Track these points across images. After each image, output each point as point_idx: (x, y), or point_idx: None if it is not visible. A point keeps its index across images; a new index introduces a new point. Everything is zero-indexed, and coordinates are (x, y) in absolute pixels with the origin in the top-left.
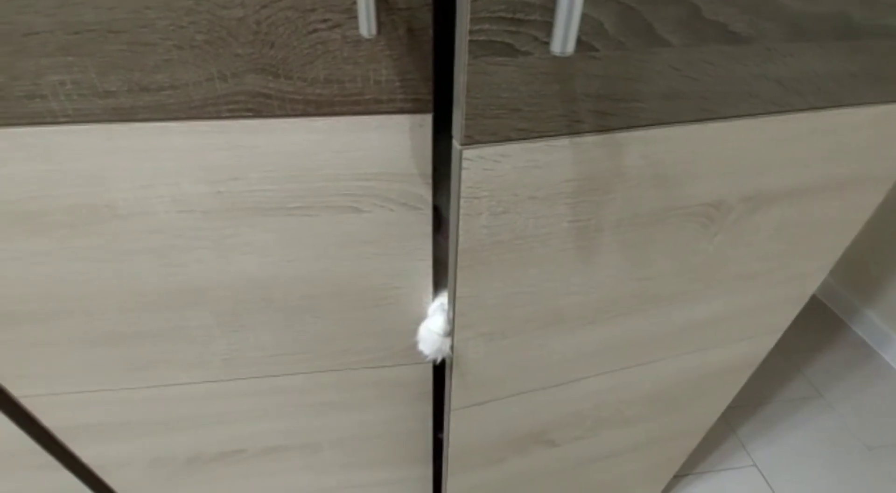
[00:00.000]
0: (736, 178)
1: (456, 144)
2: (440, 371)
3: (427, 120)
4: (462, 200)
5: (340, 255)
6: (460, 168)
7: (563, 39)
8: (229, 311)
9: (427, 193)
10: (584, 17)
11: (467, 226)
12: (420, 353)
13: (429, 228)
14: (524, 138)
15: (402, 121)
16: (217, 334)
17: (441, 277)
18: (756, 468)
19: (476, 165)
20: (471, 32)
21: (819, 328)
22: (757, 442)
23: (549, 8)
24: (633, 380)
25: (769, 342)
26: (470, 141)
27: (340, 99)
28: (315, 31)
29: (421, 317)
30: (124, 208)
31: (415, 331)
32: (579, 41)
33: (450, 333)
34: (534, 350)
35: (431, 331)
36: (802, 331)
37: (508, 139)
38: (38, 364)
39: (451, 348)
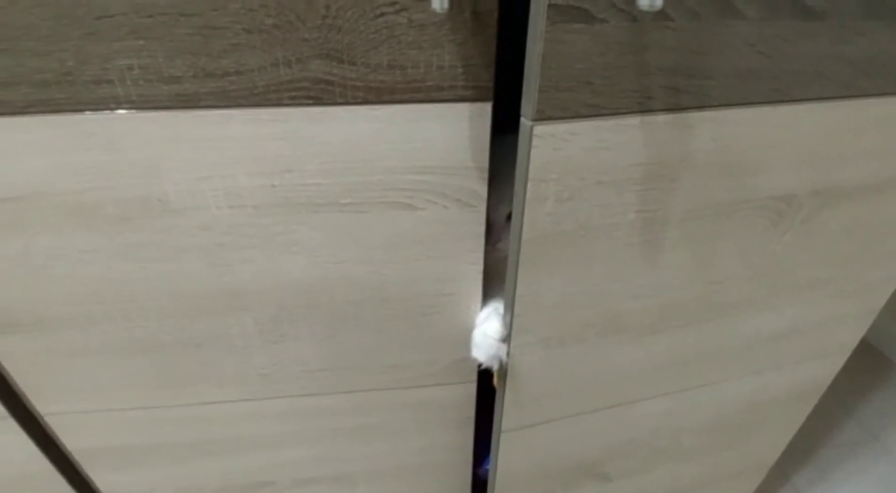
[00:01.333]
0: (807, 169)
1: (525, 120)
2: (483, 394)
3: (486, 109)
4: (530, 183)
5: (390, 257)
6: (529, 146)
7: None
8: (272, 318)
9: (483, 189)
10: None
11: (533, 213)
12: (473, 360)
13: (482, 229)
14: (594, 115)
15: (461, 110)
16: (257, 345)
17: (488, 287)
18: None
19: (545, 143)
20: None
21: (868, 370)
22: (813, 491)
23: None
24: (693, 405)
25: (836, 364)
26: (541, 116)
27: (402, 86)
28: (382, 14)
29: (469, 328)
30: (177, 202)
31: (462, 344)
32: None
33: (506, 338)
34: (591, 362)
35: (487, 335)
36: (851, 373)
37: (578, 116)
38: (69, 377)
39: (507, 354)
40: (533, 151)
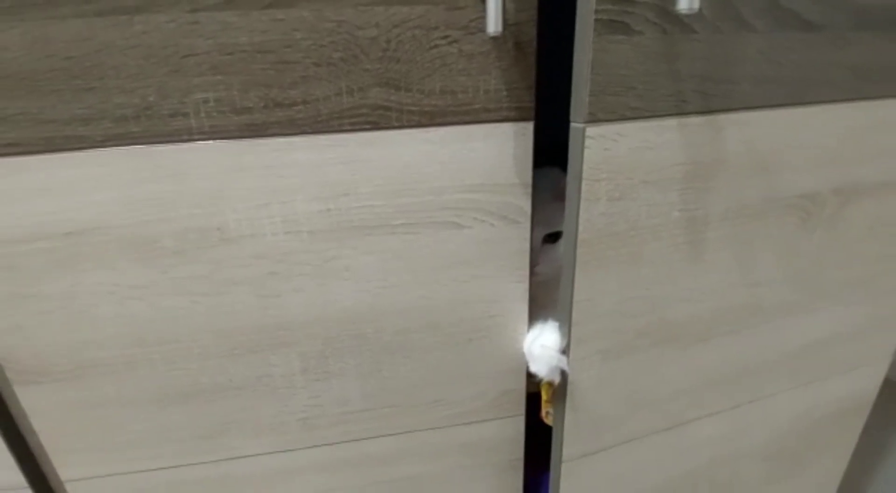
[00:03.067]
0: (826, 168)
1: (577, 124)
2: (531, 431)
3: (528, 128)
4: (584, 183)
5: (438, 278)
6: (582, 148)
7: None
8: (317, 352)
9: (527, 205)
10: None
11: (587, 212)
12: (534, 376)
13: (527, 245)
14: (638, 117)
15: (506, 129)
16: (300, 384)
17: (530, 313)
18: None
19: (597, 144)
20: (596, 11)
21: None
22: None
23: None
24: (747, 424)
25: (879, 374)
26: (592, 119)
27: (453, 109)
28: (436, 46)
29: (517, 354)
30: (234, 230)
31: (510, 373)
32: (681, 23)
33: (565, 349)
34: (645, 377)
35: (546, 347)
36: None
37: (624, 118)
38: (96, 432)
39: (568, 365)
40: (586, 152)
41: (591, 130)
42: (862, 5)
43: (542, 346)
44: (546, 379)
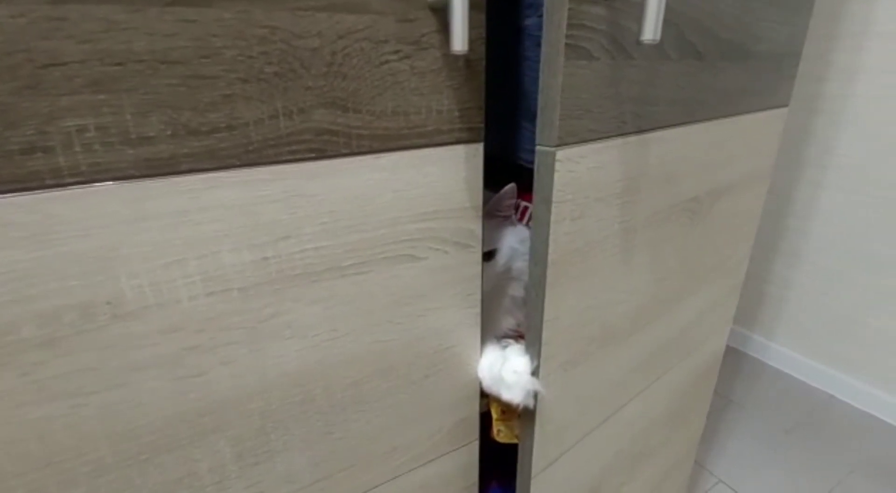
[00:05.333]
0: (703, 174)
1: (546, 148)
2: (482, 452)
3: (479, 150)
4: (554, 206)
5: (392, 317)
6: (553, 171)
7: (654, 29)
8: (255, 432)
9: (478, 228)
10: (621, 28)
11: (555, 234)
12: (510, 403)
13: (479, 269)
14: (593, 139)
15: (458, 152)
16: (233, 474)
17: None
18: (724, 484)
19: (563, 167)
20: (567, 36)
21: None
22: (711, 458)
23: (612, 20)
24: (654, 400)
25: (723, 338)
26: (560, 142)
27: (406, 131)
28: (386, 62)
29: (470, 380)
30: (133, 301)
31: (464, 401)
32: (625, 51)
33: (536, 370)
34: (593, 377)
35: (519, 372)
36: None
37: (584, 140)
38: None
39: (541, 387)
40: (556, 175)
41: (561, 154)
42: (725, 40)
43: (513, 372)
44: (522, 405)
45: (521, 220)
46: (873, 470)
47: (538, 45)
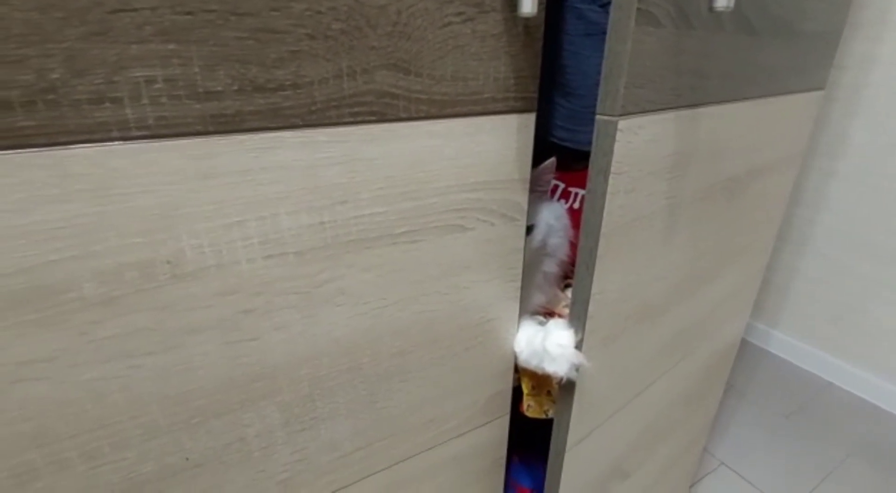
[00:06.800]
0: (744, 154)
1: (606, 117)
2: (512, 427)
3: (531, 120)
4: (611, 177)
5: (439, 289)
6: (613, 141)
7: None
8: (304, 398)
9: (524, 201)
10: None
11: (609, 206)
12: (554, 375)
13: (522, 242)
14: (651, 110)
15: (511, 121)
16: (281, 439)
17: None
18: (726, 466)
19: (624, 137)
20: (639, 1)
21: None
22: (713, 442)
23: None
24: (679, 378)
25: (745, 319)
26: (623, 112)
27: (463, 98)
28: (449, 24)
29: (506, 355)
30: (193, 262)
31: (500, 374)
32: (687, 19)
33: (580, 343)
34: (628, 353)
35: (564, 345)
36: None
37: (644, 110)
38: None
39: (585, 360)
40: (616, 145)
41: (623, 124)
42: (777, 15)
43: (558, 345)
44: (566, 378)
45: (551, 196)
46: (870, 454)
47: (579, 18)
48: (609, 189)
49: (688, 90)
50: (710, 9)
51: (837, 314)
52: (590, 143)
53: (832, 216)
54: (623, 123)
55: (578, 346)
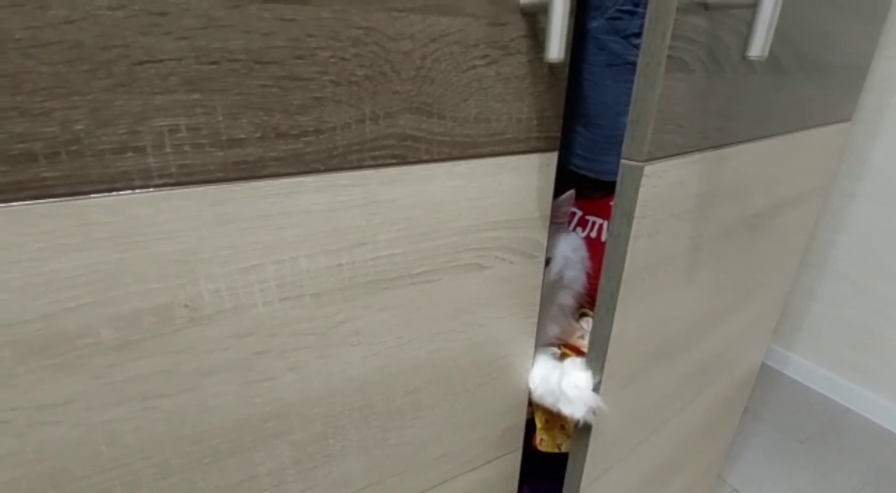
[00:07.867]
0: (767, 190)
1: (633, 162)
2: (523, 460)
3: (552, 159)
4: (635, 221)
5: (454, 326)
6: (638, 187)
7: (763, 45)
8: (316, 437)
9: (543, 238)
10: (719, 40)
11: (632, 249)
12: (570, 417)
13: (540, 280)
14: (677, 154)
15: (533, 161)
16: (292, 477)
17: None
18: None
19: (649, 182)
20: (669, 47)
21: None
22: (726, 467)
23: (712, 32)
24: (696, 413)
25: (764, 348)
26: (650, 157)
27: (485, 139)
28: (473, 67)
29: (521, 390)
30: (210, 305)
31: (513, 409)
32: (718, 63)
33: (597, 385)
34: (646, 392)
35: (581, 387)
36: None
37: (669, 155)
38: None
39: (602, 403)
40: (641, 191)
41: (649, 169)
42: (806, 52)
43: (575, 387)
44: (582, 421)
45: (567, 226)
46: (888, 485)
47: (601, 49)
48: (632, 233)
49: (714, 132)
50: (744, 57)
51: (856, 337)
52: (608, 172)
53: (851, 238)
54: (649, 169)
55: (596, 388)
